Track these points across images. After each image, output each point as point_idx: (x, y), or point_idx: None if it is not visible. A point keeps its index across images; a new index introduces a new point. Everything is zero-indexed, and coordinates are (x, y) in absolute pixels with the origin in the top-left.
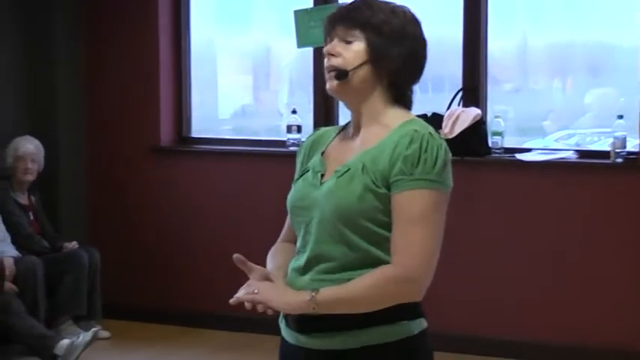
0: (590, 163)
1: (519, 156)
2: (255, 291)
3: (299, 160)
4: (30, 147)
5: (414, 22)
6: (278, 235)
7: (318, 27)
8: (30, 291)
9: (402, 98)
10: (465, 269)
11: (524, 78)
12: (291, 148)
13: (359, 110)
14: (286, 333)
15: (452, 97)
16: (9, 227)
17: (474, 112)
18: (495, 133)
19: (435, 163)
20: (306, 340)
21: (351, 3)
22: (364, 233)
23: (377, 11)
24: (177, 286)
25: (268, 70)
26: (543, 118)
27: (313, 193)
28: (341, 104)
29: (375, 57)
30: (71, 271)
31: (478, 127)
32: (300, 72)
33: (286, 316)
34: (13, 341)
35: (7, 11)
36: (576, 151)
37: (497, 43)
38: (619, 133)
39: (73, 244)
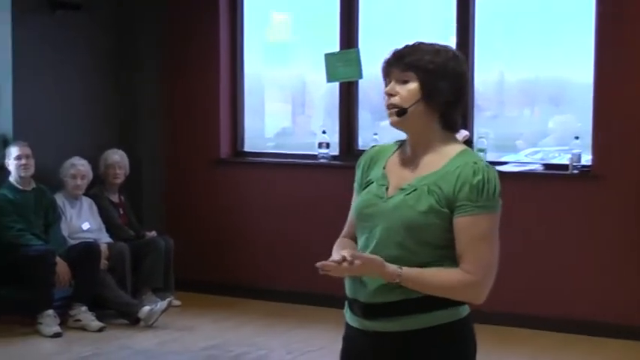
0: (553, 173)
1: (498, 168)
2: (357, 262)
3: (359, 171)
4: (116, 157)
5: (455, 59)
6: (307, 224)
7: (343, 66)
8: (119, 269)
9: (451, 125)
10: None
11: (502, 107)
12: (321, 161)
13: (417, 138)
14: (351, 319)
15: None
16: (104, 220)
17: (463, 133)
18: (480, 150)
19: (494, 192)
20: (370, 323)
21: (402, 48)
22: (423, 242)
23: (424, 54)
24: (234, 265)
25: (304, 99)
26: (516, 138)
27: (380, 204)
28: (361, 126)
29: (427, 94)
30: (151, 253)
31: (467, 145)
32: (328, 101)
33: (351, 306)
34: (107, 307)
35: (100, 46)
36: (542, 164)
37: (481, 79)
38: (576, 151)
39: (153, 233)
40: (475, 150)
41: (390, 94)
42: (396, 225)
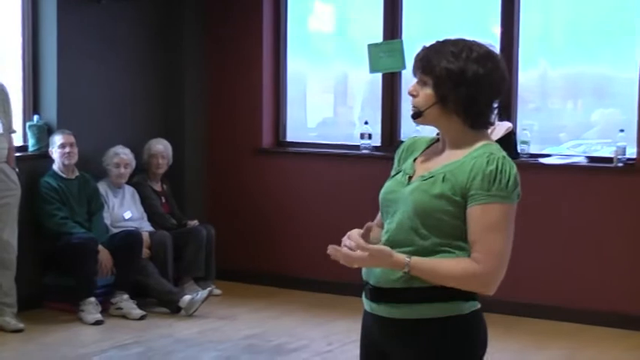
0: (597, 166)
1: (541, 160)
2: (363, 252)
3: (396, 159)
4: (160, 147)
5: (479, 61)
6: (348, 215)
7: (386, 57)
8: (161, 257)
9: (474, 124)
10: None
11: (545, 100)
12: (363, 151)
13: (443, 134)
14: (365, 303)
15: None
16: (146, 208)
17: (507, 124)
18: (523, 142)
19: (508, 182)
20: (377, 307)
21: (427, 47)
22: (434, 227)
23: (443, 57)
24: (275, 255)
25: (345, 90)
26: (559, 131)
27: (400, 190)
28: (403, 117)
29: (440, 99)
30: (193, 242)
31: (510, 137)
32: (370, 92)
33: (364, 289)
34: (148, 296)
35: (144, 36)
36: (586, 157)
37: (525, 73)
38: (620, 143)
39: (195, 222)
40: (518, 142)
41: (411, 95)
42: (410, 209)
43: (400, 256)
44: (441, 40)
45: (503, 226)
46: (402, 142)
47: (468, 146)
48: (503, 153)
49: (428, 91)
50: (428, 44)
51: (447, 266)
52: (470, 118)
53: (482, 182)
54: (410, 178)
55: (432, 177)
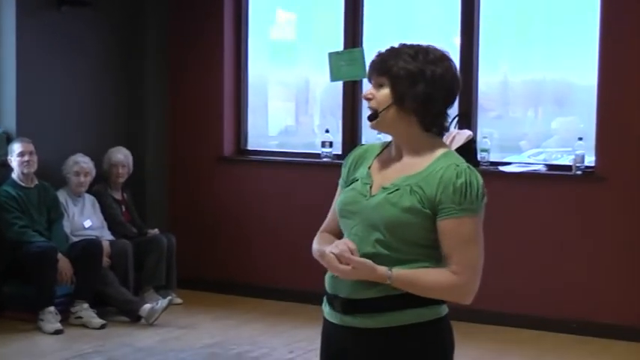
0: (556, 174)
1: (502, 168)
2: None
3: (345, 169)
4: (120, 156)
5: (435, 62)
6: (310, 224)
7: (347, 65)
8: (121, 266)
9: (431, 128)
10: None
11: (506, 107)
12: (324, 159)
13: (399, 140)
14: (330, 315)
15: (450, 120)
16: (106, 217)
17: (467, 132)
18: (483, 150)
19: (477, 194)
20: (350, 319)
21: (383, 52)
22: (404, 239)
23: (399, 59)
24: (236, 264)
25: (307, 98)
26: (520, 139)
27: (362, 202)
28: (364, 125)
29: (397, 99)
30: (153, 251)
31: (470, 145)
32: (331, 100)
33: (331, 302)
34: (108, 304)
35: (105, 44)
36: (545, 165)
37: (485, 80)
38: (579, 152)
39: (155, 231)
40: (478, 150)
41: (366, 98)
42: (377, 223)
43: (382, 269)
44: (395, 45)
45: (477, 238)
46: (352, 150)
47: (427, 153)
48: (467, 163)
49: (385, 92)
50: (383, 49)
51: (429, 278)
52: (427, 118)
53: (453, 196)
54: (370, 187)
55: (397, 189)
